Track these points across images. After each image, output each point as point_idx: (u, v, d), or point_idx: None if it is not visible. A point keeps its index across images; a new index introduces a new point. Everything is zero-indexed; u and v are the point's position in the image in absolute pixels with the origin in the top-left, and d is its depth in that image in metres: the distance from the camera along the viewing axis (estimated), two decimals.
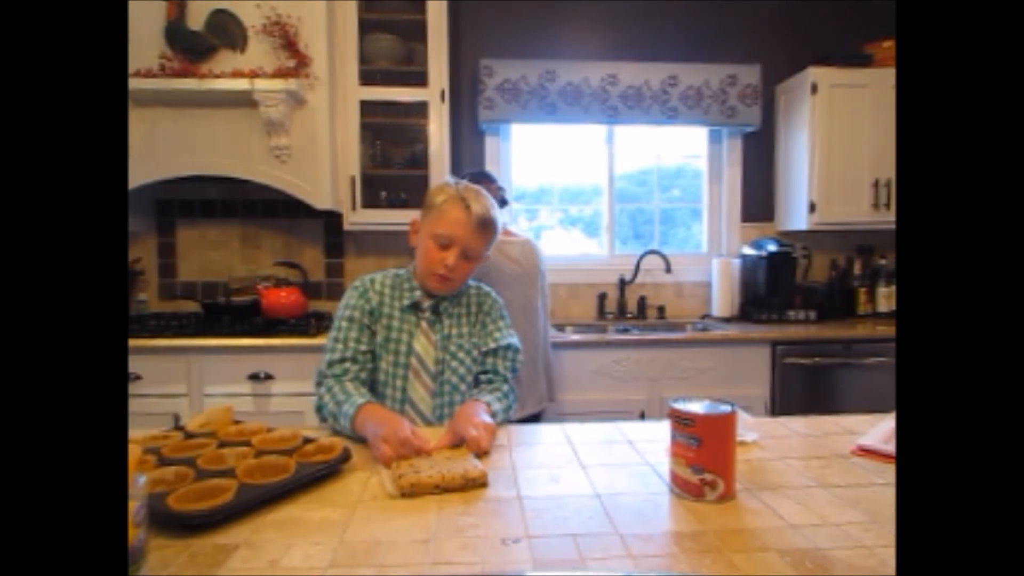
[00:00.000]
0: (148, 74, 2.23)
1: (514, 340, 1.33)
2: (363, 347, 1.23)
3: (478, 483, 0.86)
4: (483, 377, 1.29)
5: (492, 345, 1.30)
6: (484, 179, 2.13)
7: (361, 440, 1.05)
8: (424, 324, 1.28)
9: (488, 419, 1.08)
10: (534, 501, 0.81)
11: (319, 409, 1.19)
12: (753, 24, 2.92)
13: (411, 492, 0.83)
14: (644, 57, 2.79)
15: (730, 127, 2.86)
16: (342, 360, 1.21)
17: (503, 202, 2.11)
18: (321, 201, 2.40)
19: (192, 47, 2.28)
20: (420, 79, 2.49)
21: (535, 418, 2.04)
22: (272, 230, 2.78)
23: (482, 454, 0.99)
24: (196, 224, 2.75)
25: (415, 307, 1.29)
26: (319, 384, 1.21)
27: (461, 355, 1.28)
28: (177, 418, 2.09)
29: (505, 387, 1.27)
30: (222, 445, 0.95)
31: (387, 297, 1.29)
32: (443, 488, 0.84)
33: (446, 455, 0.93)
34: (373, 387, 1.26)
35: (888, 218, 2.68)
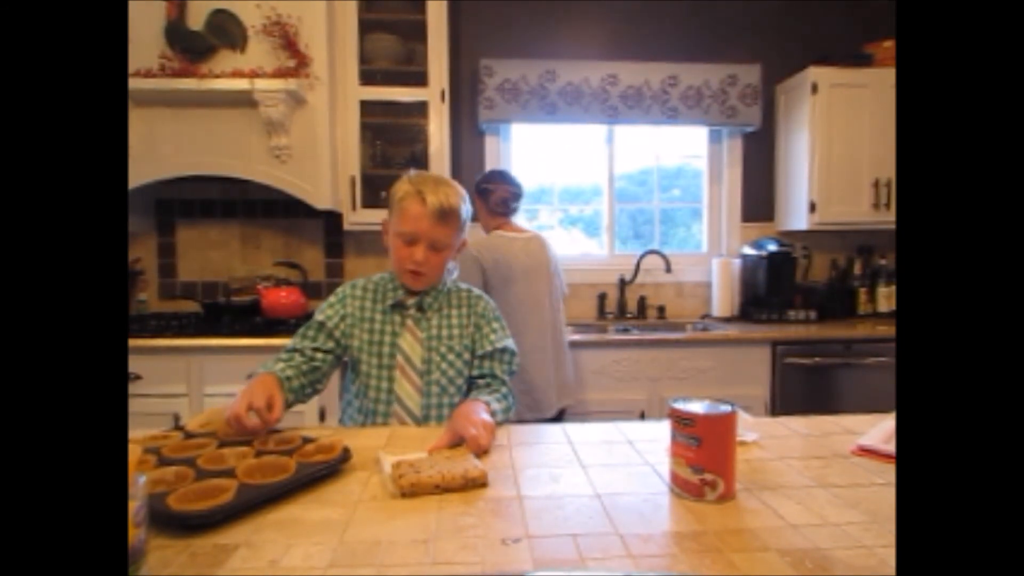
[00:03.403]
0: (148, 74, 2.23)
1: (510, 343, 1.33)
2: (313, 345, 1.26)
3: (478, 483, 0.86)
4: (480, 381, 1.29)
5: (488, 348, 1.29)
6: (496, 179, 2.14)
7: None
8: (410, 322, 1.28)
9: (487, 417, 1.07)
10: (534, 501, 0.81)
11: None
12: (753, 24, 2.92)
13: (411, 492, 0.83)
14: (644, 57, 2.80)
15: (730, 127, 2.86)
16: (293, 350, 1.26)
17: (507, 203, 2.13)
18: (321, 201, 2.40)
19: (192, 47, 2.28)
20: (420, 79, 2.49)
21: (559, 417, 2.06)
22: (272, 230, 2.78)
23: (482, 453, 0.99)
24: (196, 224, 2.75)
25: (399, 306, 1.29)
26: None
27: (451, 357, 1.27)
28: (177, 418, 2.09)
29: (503, 389, 1.27)
30: (222, 445, 0.95)
31: (368, 301, 1.30)
32: (443, 488, 0.84)
33: (446, 455, 0.93)
34: (360, 389, 1.27)
35: (888, 218, 2.68)
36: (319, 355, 1.25)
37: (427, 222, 1.21)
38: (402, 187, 1.25)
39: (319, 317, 1.28)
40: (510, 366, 1.31)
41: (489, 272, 1.98)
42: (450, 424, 1.05)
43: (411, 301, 1.29)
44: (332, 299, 1.32)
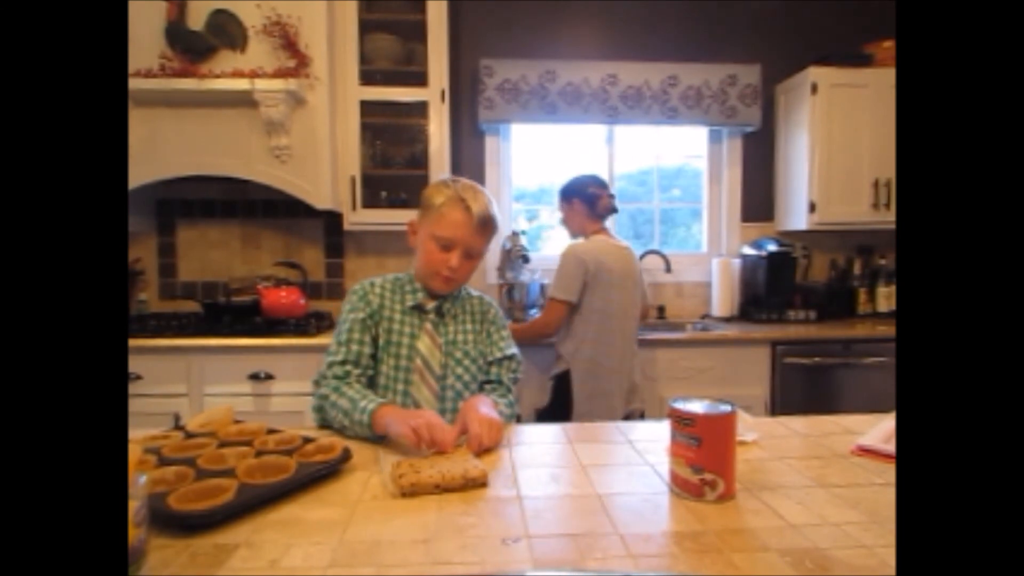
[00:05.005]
0: (148, 74, 2.23)
1: (516, 351, 1.35)
2: (366, 349, 1.22)
3: (478, 483, 0.86)
4: (487, 386, 1.31)
5: (498, 355, 1.32)
6: (597, 184, 2.16)
7: (364, 440, 1.06)
8: (428, 325, 1.28)
9: (494, 413, 1.08)
10: (534, 501, 0.81)
11: (318, 409, 1.19)
12: (753, 24, 2.92)
13: (411, 492, 0.83)
14: (644, 57, 2.79)
15: (730, 127, 2.86)
16: (343, 363, 1.19)
17: (613, 210, 2.16)
18: (321, 201, 2.40)
19: (192, 47, 2.28)
20: (420, 79, 2.49)
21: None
22: (272, 230, 2.78)
23: (483, 451, 0.99)
24: (196, 224, 2.75)
25: (418, 308, 1.29)
26: (317, 384, 1.20)
27: (466, 362, 1.28)
28: (177, 418, 2.09)
29: (510, 396, 1.29)
30: (222, 445, 0.95)
31: (387, 300, 1.28)
32: (443, 488, 0.84)
33: (446, 455, 0.94)
34: (373, 389, 1.26)
35: (888, 218, 2.68)
36: (371, 359, 1.23)
37: (469, 230, 1.22)
38: (443, 192, 1.24)
39: (359, 315, 1.23)
40: (515, 373, 1.34)
41: (591, 274, 2.01)
42: (459, 418, 1.07)
43: (430, 305, 1.28)
44: (354, 298, 1.27)
